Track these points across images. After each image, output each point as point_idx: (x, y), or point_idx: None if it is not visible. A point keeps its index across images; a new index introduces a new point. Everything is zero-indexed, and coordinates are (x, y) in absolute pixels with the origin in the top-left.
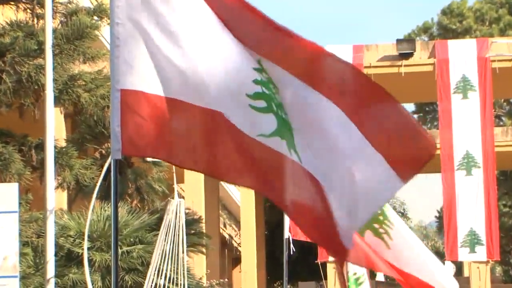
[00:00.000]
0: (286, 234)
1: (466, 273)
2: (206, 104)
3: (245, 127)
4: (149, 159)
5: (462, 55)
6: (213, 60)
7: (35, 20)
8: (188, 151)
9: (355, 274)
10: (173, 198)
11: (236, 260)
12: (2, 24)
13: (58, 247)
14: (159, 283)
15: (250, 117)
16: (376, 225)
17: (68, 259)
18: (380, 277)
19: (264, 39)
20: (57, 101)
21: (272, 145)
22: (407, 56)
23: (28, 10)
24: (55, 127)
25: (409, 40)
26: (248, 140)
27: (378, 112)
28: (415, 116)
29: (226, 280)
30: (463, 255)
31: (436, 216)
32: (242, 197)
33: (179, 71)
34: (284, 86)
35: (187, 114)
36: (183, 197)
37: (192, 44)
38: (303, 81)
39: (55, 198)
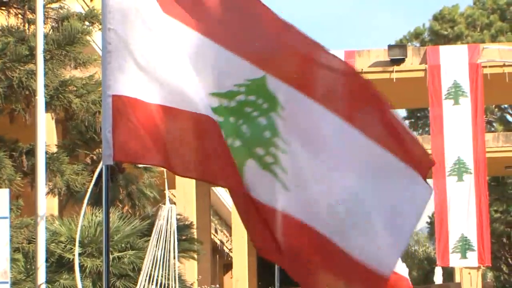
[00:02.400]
0: None
1: (457, 279)
2: (195, 109)
3: None
4: (140, 164)
5: (453, 61)
6: (191, 67)
7: (26, 25)
8: (179, 157)
9: None
10: (164, 204)
11: (227, 265)
12: None
13: (49, 253)
14: None
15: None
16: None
17: (59, 265)
18: None
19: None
20: (48, 106)
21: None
22: (398, 62)
23: (19, 16)
24: (46, 133)
25: (401, 46)
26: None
27: (380, 116)
28: (407, 122)
29: (218, 286)
30: (455, 260)
31: (427, 222)
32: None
33: (169, 77)
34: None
35: (178, 120)
36: (174, 203)
37: (179, 50)
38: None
39: (46, 204)
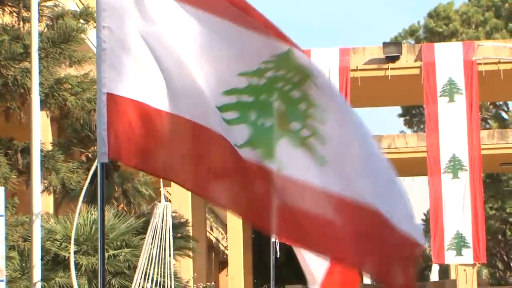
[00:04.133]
0: (273, 237)
1: (453, 275)
2: (190, 116)
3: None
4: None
5: (448, 58)
6: (190, 71)
7: (21, 23)
8: (169, 161)
9: None
10: (159, 201)
11: (223, 263)
12: None
13: (44, 251)
14: (146, 287)
15: (224, 128)
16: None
17: (54, 263)
18: (367, 280)
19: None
20: (43, 104)
21: (244, 155)
22: (393, 59)
23: (14, 14)
24: (41, 131)
25: (396, 43)
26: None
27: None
28: (402, 119)
29: (213, 283)
30: (450, 258)
31: (422, 219)
32: None
33: (164, 79)
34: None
35: (171, 124)
36: (169, 201)
37: (175, 52)
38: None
39: (41, 202)
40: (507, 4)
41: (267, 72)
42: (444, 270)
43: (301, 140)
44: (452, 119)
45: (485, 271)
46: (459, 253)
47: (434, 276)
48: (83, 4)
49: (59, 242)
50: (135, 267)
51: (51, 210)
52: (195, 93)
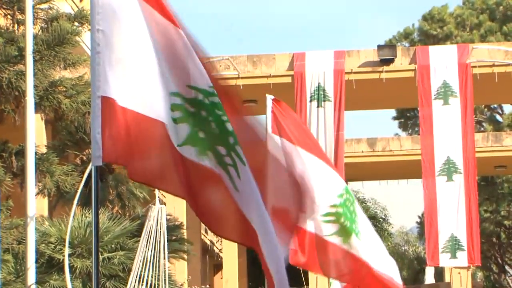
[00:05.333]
0: None
1: (447, 278)
2: (156, 116)
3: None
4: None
5: (443, 61)
6: (156, 72)
7: (16, 26)
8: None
9: None
10: (154, 204)
11: (217, 266)
12: None
13: (39, 253)
14: None
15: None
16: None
17: (49, 265)
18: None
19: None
20: (38, 107)
21: (185, 154)
22: (388, 62)
23: (9, 16)
24: (35, 133)
25: (390, 46)
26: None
27: None
28: (396, 122)
29: (208, 286)
30: (444, 260)
31: (417, 222)
32: None
33: (148, 84)
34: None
35: (149, 127)
36: (164, 203)
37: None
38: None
39: (36, 205)
40: (501, 7)
41: (213, 96)
42: (439, 273)
43: (223, 163)
44: (447, 122)
45: (479, 274)
46: (453, 256)
47: (428, 278)
48: (77, 7)
49: (54, 245)
50: (129, 270)
51: (45, 213)
52: (159, 93)
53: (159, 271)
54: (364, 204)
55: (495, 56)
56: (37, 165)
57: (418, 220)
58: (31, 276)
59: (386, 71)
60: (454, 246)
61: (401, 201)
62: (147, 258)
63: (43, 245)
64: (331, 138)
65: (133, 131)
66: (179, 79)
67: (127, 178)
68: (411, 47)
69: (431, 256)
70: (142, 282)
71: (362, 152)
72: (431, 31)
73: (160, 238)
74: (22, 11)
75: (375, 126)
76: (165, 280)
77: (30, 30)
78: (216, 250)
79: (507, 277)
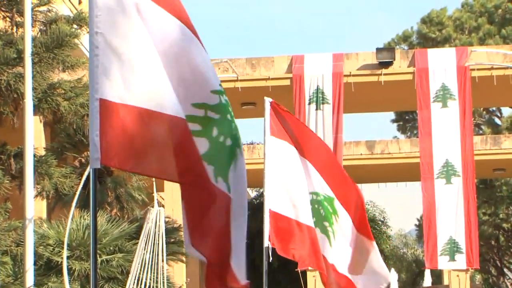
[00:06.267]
0: (266, 242)
1: (446, 281)
2: (172, 112)
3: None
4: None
5: (441, 64)
6: (167, 73)
7: (14, 28)
8: (163, 161)
9: None
10: (152, 206)
11: None
12: None
13: (37, 256)
14: None
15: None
16: (326, 223)
17: (47, 268)
18: None
19: None
20: (37, 109)
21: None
22: (386, 64)
23: (7, 18)
24: (34, 136)
25: (389, 48)
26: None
27: None
28: (395, 125)
29: None
30: (443, 263)
31: (416, 224)
32: None
33: (154, 82)
34: None
35: (159, 122)
36: (162, 206)
37: (160, 56)
38: None
39: (34, 207)
40: (500, 10)
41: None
42: (437, 276)
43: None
44: (445, 125)
45: (478, 277)
46: (452, 259)
47: (427, 281)
48: (76, 9)
49: (52, 247)
50: (128, 272)
51: (44, 215)
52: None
53: (157, 273)
54: None
55: (494, 59)
56: (36, 167)
57: (417, 222)
58: (30, 278)
59: (385, 74)
60: (452, 249)
61: (400, 204)
62: (145, 261)
63: (42, 247)
64: (329, 141)
65: (133, 131)
66: (199, 87)
67: (125, 181)
68: (410, 50)
69: (430, 259)
70: (141, 284)
71: (361, 154)
72: (429, 34)
73: (158, 241)
74: (21, 13)
75: (374, 129)
76: (163, 282)
77: (29, 32)
78: None
79: (505, 280)
